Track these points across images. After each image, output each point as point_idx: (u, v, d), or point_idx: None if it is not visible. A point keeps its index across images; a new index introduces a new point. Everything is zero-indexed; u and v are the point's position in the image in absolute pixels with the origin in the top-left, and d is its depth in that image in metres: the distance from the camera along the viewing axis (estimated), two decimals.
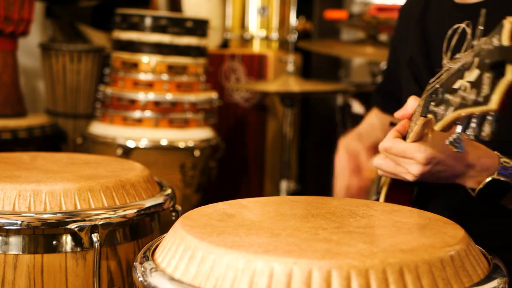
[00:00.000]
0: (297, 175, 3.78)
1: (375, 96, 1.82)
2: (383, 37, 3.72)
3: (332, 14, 3.72)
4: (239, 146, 3.53)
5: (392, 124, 1.60)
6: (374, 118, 1.78)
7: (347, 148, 1.62)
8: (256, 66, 3.48)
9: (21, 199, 1.21)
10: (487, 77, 0.85)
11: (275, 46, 3.65)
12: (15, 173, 1.33)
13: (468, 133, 0.87)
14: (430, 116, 1.01)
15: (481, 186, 1.17)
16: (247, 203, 1.10)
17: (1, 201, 1.21)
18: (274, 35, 3.63)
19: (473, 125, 0.87)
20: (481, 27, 0.97)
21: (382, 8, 3.64)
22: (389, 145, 1.16)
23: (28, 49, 3.32)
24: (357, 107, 3.35)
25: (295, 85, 3.09)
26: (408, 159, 1.13)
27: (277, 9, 3.64)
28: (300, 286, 0.79)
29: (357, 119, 3.37)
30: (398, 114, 1.19)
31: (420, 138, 1.12)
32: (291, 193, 3.29)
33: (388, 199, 1.35)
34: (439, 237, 0.91)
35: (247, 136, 3.54)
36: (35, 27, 3.26)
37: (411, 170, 1.14)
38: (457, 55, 1.01)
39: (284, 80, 3.16)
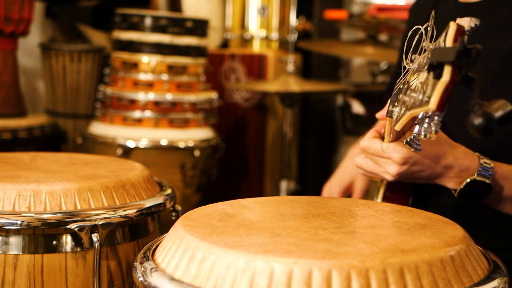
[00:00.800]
0: (297, 175, 3.78)
1: (385, 97, 1.83)
2: (383, 37, 3.72)
3: (332, 14, 3.71)
4: (239, 146, 3.53)
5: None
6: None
7: (338, 179, 1.67)
8: (256, 66, 3.48)
9: (21, 199, 1.21)
10: (430, 77, 0.86)
11: (275, 46, 3.65)
12: (15, 173, 1.32)
13: (421, 132, 0.89)
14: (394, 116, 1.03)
15: (461, 186, 1.18)
16: (247, 203, 1.10)
17: (1, 201, 1.21)
18: (274, 35, 3.63)
19: (425, 125, 0.89)
20: (429, 28, 1.00)
21: (382, 8, 3.64)
22: (367, 144, 1.18)
23: (28, 49, 3.32)
24: (357, 107, 3.35)
25: (295, 85, 3.09)
26: (385, 159, 1.15)
27: (277, 9, 3.63)
28: (300, 286, 0.79)
29: (357, 119, 3.37)
30: (378, 114, 1.21)
31: (397, 138, 1.14)
32: (291, 193, 3.29)
33: (385, 200, 1.35)
34: (439, 237, 0.91)
35: (247, 136, 3.54)
36: (35, 27, 3.25)
37: (388, 170, 1.16)
38: (414, 57, 1.03)
39: (284, 80, 3.16)
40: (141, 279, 0.90)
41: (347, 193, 1.67)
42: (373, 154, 1.17)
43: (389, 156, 1.14)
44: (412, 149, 0.98)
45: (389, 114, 1.07)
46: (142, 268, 0.92)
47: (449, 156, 1.17)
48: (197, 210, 1.05)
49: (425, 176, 1.18)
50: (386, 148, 1.14)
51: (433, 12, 1.04)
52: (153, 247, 1.00)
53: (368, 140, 1.18)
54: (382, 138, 1.19)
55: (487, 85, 1.31)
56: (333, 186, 1.67)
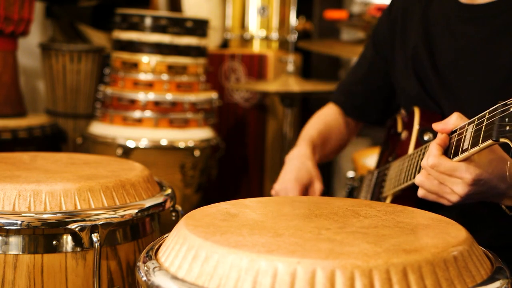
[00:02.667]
0: None
1: (337, 94, 1.77)
2: None
3: (332, 14, 3.71)
4: (239, 146, 3.53)
5: (395, 133, 1.59)
6: (332, 118, 1.74)
7: (298, 179, 1.52)
8: (256, 66, 3.48)
9: (21, 199, 1.21)
10: None
11: (275, 46, 3.65)
12: (15, 173, 1.32)
13: None
14: (504, 140, 0.96)
15: None
16: (249, 203, 1.10)
17: (1, 201, 1.21)
18: (274, 35, 3.63)
19: None
20: None
21: (382, 8, 3.63)
22: (436, 162, 1.11)
23: (28, 49, 3.32)
24: None
25: (295, 85, 3.09)
26: (455, 178, 1.10)
27: (277, 9, 3.63)
28: (304, 286, 0.78)
29: None
30: (437, 126, 1.15)
31: (468, 157, 1.09)
32: None
33: None
34: (442, 237, 0.91)
35: (247, 136, 3.53)
36: (35, 27, 3.25)
37: (456, 190, 1.11)
38: None
39: (284, 80, 3.15)
40: (144, 278, 0.89)
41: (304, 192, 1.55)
42: (443, 173, 1.11)
43: (461, 176, 1.09)
44: None
45: (496, 137, 0.98)
46: (145, 268, 0.91)
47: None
48: (200, 209, 1.05)
49: (487, 196, 1.13)
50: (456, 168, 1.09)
51: None
52: (156, 247, 0.99)
53: (438, 157, 1.11)
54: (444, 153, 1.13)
55: (494, 95, 1.28)
56: (289, 187, 1.52)
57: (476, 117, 1.06)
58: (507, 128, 0.95)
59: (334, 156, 1.81)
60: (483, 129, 1.02)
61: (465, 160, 1.09)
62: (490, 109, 1.02)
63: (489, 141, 1.00)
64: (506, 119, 0.96)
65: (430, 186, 1.15)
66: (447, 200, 1.14)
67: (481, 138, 1.02)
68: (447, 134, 1.14)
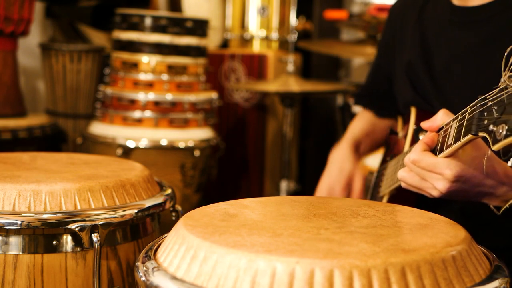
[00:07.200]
0: (297, 175, 3.78)
1: (360, 98, 1.81)
2: None
3: (332, 14, 3.72)
4: (239, 146, 3.53)
5: (393, 133, 1.60)
6: (365, 122, 1.77)
7: (341, 167, 1.66)
8: (256, 66, 3.48)
9: (21, 199, 1.21)
10: None
11: (275, 46, 3.65)
12: (15, 173, 1.32)
13: None
14: (483, 134, 0.96)
15: (507, 205, 1.14)
16: (248, 203, 1.10)
17: (1, 201, 1.21)
18: (274, 35, 3.63)
19: None
20: None
21: (382, 8, 3.64)
22: (417, 158, 1.11)
23: (28, 49, 3.32)
24: (357, 107, 3.34)
25: (295, 85, 3.09)
26: (436, 174, 1.10)
27: (277, 9, 3.63)
28: (302, 285, 0.79)
29: None
30: (425, 124, 1.16)
31: (452, 153, 1.08)
32: (291, 193, 3.29)
33: None
34: (440, 237, 0.91)
35: (247, 136, 3.53)
36: (35, 27, 3.25)
37: (437, 186, 1.11)
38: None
39: (284, 80, 3.16)
40: (143, 278, 0.90)
41: (348, 191, 1.67)
42: (424, 169, 1.11)
43: (441, 172, 1.09)
44: None
45: (475, 131, 0.98)
46: (144, 268, 0.91)
47: (499, 173, 1.12)
48: (198, 209, 1.05)
49: (474, 193, 1.13)
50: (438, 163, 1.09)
51: None
52: (155, 247, 1.00)
53: (419, 153, 1.11)
54: (431, 151, 1.13)
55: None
56: (335, 185, 1.65)
57: (460, 112, 1.06)
58: (485, 122, 0.95)
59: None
60: (464, 124, 1.02)
61: (450, 155, 1.09)
62: (471, 104, 1.02)
63: (469, 136, 1.00)
64: (485, 113, 0.95)
65: (411, 181, 1.16)
66: (429, 194, 1.15)
67: (462, 133, 1.02)
68: (435, 132, 1.15)
